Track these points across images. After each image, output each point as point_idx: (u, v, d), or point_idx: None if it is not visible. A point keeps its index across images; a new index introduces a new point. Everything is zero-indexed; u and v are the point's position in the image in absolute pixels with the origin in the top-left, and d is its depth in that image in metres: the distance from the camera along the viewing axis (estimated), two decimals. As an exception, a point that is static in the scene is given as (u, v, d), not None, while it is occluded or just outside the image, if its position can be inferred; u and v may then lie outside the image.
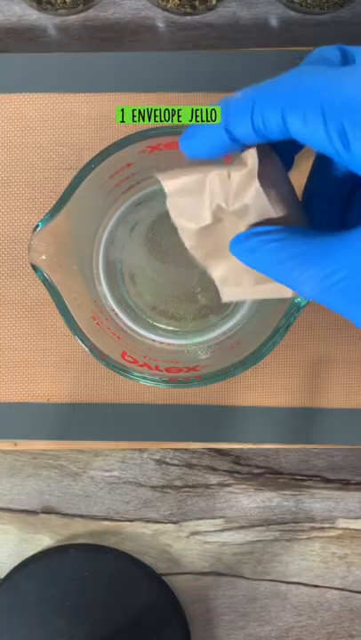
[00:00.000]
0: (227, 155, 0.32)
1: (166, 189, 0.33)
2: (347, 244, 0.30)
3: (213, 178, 0.32)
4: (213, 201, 0.32)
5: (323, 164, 0.34)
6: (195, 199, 0.32)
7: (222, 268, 0.34)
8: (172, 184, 0.33)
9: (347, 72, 0.30)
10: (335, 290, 0.30)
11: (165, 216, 0.46)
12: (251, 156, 0.31)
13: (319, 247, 0.30)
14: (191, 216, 0.33)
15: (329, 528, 0.52)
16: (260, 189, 0.31)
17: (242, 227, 0.32)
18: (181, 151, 0.33)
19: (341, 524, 0.52)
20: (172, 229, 0.46)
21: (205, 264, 0.34)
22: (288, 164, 0.35)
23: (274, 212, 0.32)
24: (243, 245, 0.32)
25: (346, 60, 0.32)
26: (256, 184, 0.31)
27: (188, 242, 0.34)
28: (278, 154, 0.33)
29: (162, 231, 0.46)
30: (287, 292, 0.34)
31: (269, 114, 0.30)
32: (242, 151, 0.32)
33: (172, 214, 0.33)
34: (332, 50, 0.32)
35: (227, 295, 0.34)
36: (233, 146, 0.31)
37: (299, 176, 0.35)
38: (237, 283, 0.34)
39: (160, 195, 0.46)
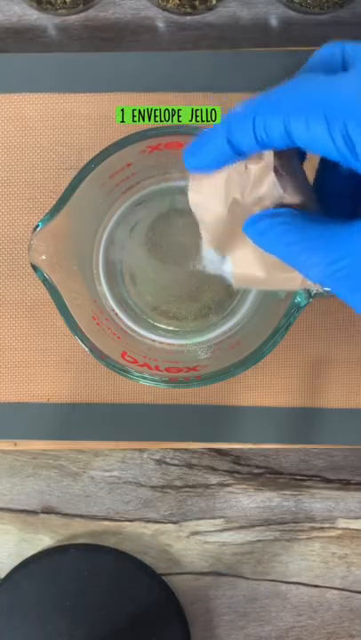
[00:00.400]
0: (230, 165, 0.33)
1: (190, 183, 0.34)
2: (352, 233, 0.30)
3: (232, 171, 0.32)
4: (230, 194, 0.33)
5: (329, 161, 0.35)
6: (213, 192, 0.33)
7: (236, 256, 0.35)
8: (196, 176, 0.34)
9: (347, 76, 0.30)
10: (338, 277, 0.30)
11: (165, 216, 0.46)
12: (267, 150, 0.32)
13: (326, 234, 0.31)
14: (208, 210, 0.34)
15: (329, 528, 0.52)
16: (276, 181, 0.32)
17: (257, 211, 0.33)
18: (186, 168, 0.33)
19: (341, 523, 0.52)
20: (173, 229, 0.46)
21: (221, 253, 0.36)
22: (302, 155, 0.35)
23: (289, 200, 0.33)
24: (255, 227, 0.32)
25: (346, 63, 0.32)
26: (272, 176, 0.32)
27: (205, 234, 0.35)
28: None
29: (162, 231, 0.46)
30: (295, 285, 0.35)
31: (271, 122, 0.30)
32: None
33: (193, 207, 0.35)
34: (333, 51, 0.32)
35: (238, 281, 0.35)
36: (236, 158, 0.32)
37: (313, 169, 0.36)
38: (249, 271, 0.35)
39: (160, 194, 0.46)
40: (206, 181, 0.33)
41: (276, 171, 0.32)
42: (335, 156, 0.29)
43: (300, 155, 0.35)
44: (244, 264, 0.35)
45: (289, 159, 0.33)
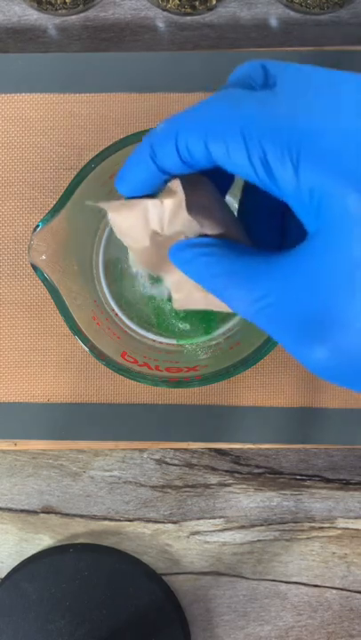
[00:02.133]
0: (162, 189, 0.31)
1: (110, 215, 0.33)
2: (276, 267, 0.28)
3: (148, 205, 0.31)
4: (149, 227, 0.32)
5: (250, 192, 0.33)
6: (134, 224, 0.32)
7: (174, 278, 0.33)
8: (114, 207, 0.33)
9: (268, 97, 0.28)
10: (262, 315, 0.28)
11: None
12: (176, 185, 0.31)
13: (250, 267, 0.28)
14: (133, 238, 0.33)
15: (329, 528, 0.52)
16: (190, 217, 0.30)
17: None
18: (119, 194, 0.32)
19: (341, 523, 0.52)
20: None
21: (158, 274, 0.34)
22: (226, 185, 0.33)
23: (209, 233, 0.31)
24: (179, 255, 0.31)
25: (267, 82, 0.30)
26: (184, 213, 0.30)
27: (136, 258, 0.34)
28: (216, 175, 0.32)
29: None
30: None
31: (193, 143, 0.28)
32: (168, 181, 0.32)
33: (118, 235, 0.33)
34: (255, 69, 0.30)
35: (178, 304, 0.34)
36: (164, 178, 0.31)
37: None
38: (189, 292, 0.33)
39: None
40: (126, 212, 0.32)
41: (188, 205, 0.30)
42: (257, 182, 0.28)
43: (224, 183, 0.33)
44: (181, 285, 0.33)
45: (204, 190, 0.32)
